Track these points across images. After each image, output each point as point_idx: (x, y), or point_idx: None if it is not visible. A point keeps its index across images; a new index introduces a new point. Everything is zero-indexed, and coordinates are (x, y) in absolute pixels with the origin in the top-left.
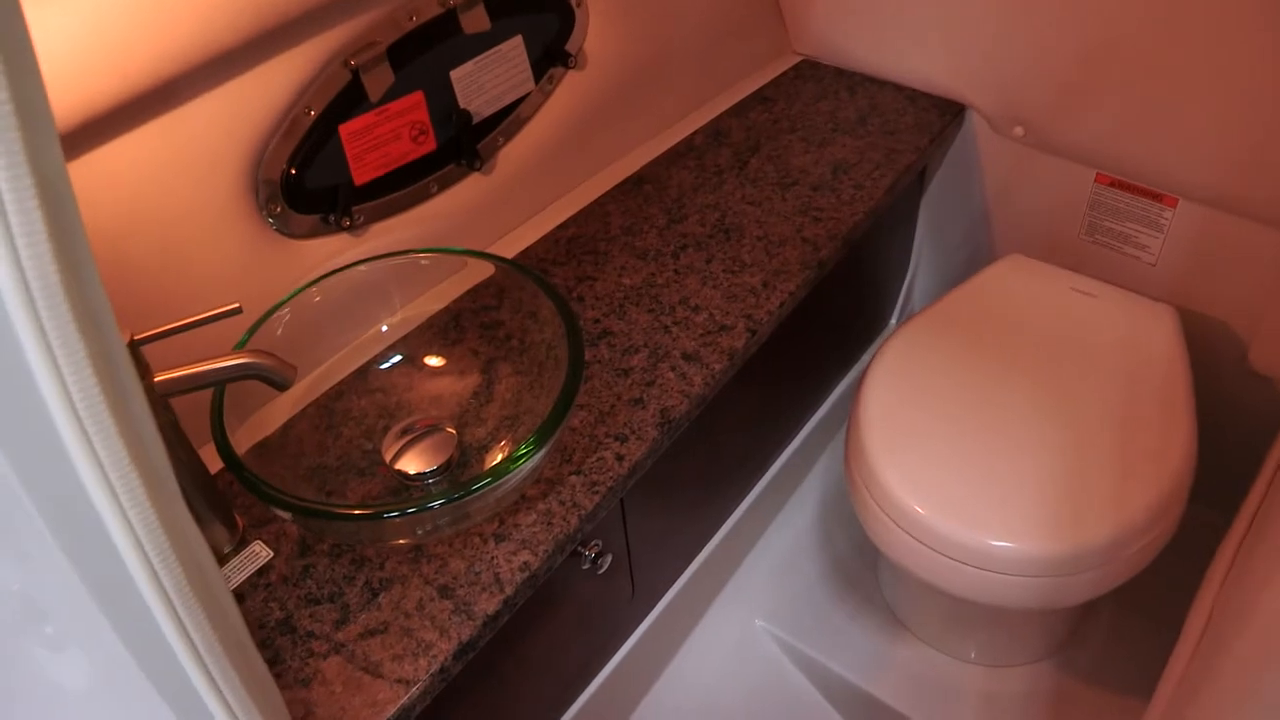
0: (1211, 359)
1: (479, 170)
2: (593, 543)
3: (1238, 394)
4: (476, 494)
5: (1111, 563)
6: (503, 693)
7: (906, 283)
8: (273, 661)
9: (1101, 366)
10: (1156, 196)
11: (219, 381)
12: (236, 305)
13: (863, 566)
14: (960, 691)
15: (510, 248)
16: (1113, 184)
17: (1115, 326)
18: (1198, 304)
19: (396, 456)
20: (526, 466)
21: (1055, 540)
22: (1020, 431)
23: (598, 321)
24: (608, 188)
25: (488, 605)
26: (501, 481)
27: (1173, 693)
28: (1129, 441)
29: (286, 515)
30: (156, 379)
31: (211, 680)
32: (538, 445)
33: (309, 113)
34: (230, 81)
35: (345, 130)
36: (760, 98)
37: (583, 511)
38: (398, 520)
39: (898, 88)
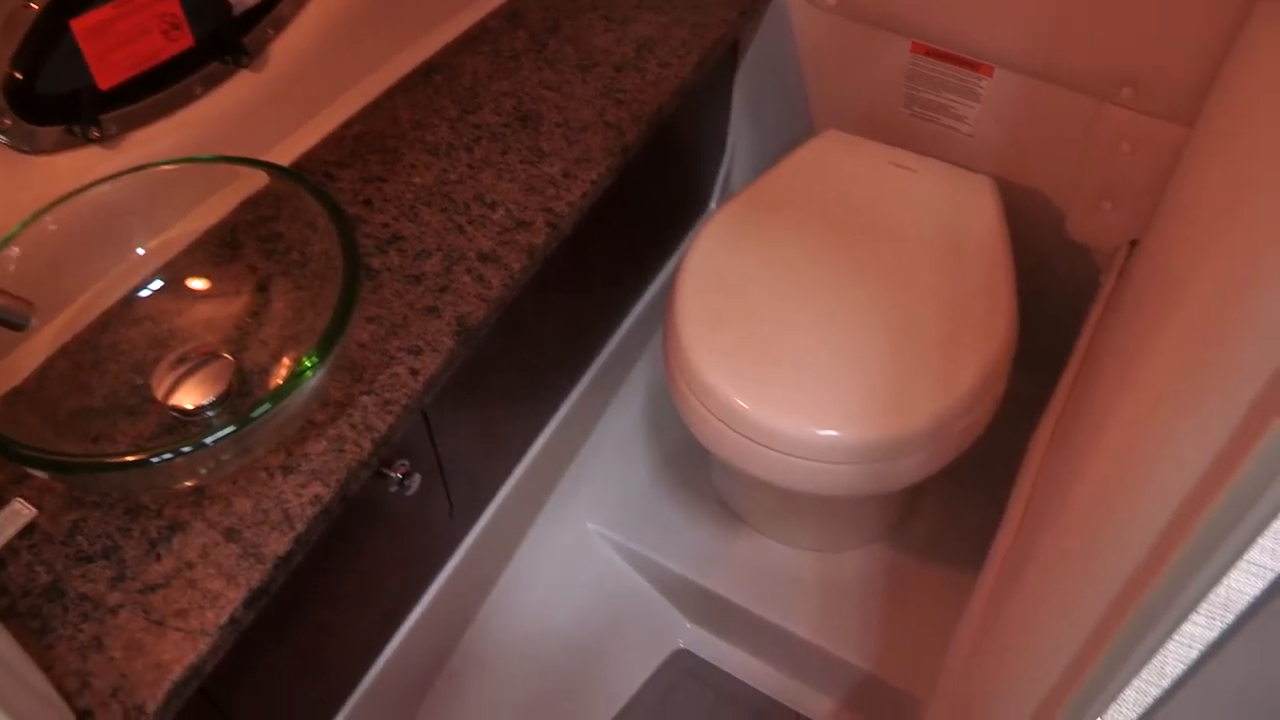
0: (1030, 229)
1: (248, 67)
2: (398, 463)
3: (1056, 263)
4: (257, 422)
5: (938, 444)
6: (317, 631)
7: (725, 165)
8: (41, 632)
9: (923, 242)
10: (972, 66)
11: None
12: None
13: (694, 461)
14: (797, 579)
15: (291, 151)
16: (929, 53)
17: (936, 200)
18: (1016, 175)
19: (171, 391)
20: (308, 386)
21: (881, 425)
22: (843, 314)
23: (387, 226)
24: (395, 80)
25: (278, 545)
26: (282, 405)
27: (997, 573)
28: (952, 318)
29: (42, 474)
30: None
31: None
32: (319, 361)
33: (28, 5)
34: None
35: (79, 27)
36: None
37: (376, 434)
38: (171, 463)
39: None
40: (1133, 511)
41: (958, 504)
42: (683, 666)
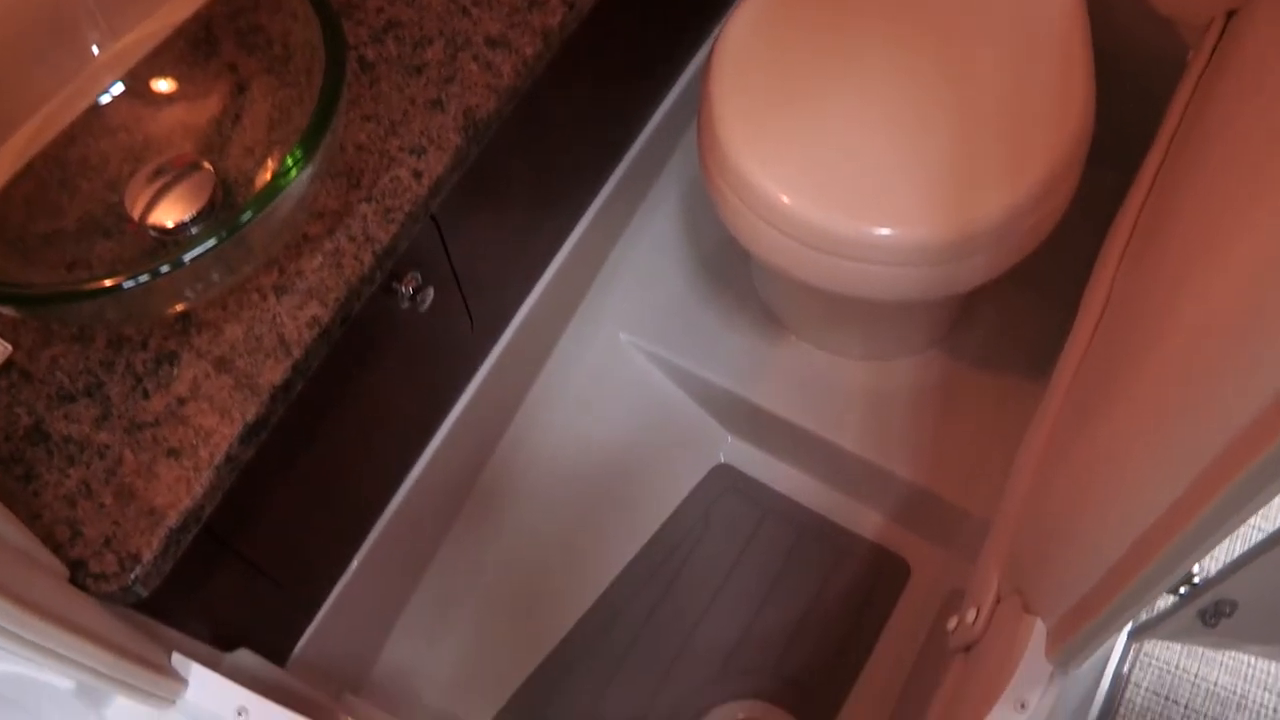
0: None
1: None
2: (408, 276)
3: (1137, 40)
4: (240, 233)
5: (1004, 243)
6: (334, 462)
7: None
8: (26, 478)
9: (988, 20)
10: None
11: None
12: None
13: (733, 265)
14: (844, 390)
15: None
16: None
17: None
18: None
19: (149, 208)
20: (295, 188)
21: (942, 223)
22: (898, 99)
23: (382, 11)
24: None
25: (274, 375)
26: (268, 211)
27: (1068, 386)
28: (1020, 103)
29: (10, 312)
30: None
31: None
32: (304, 158)
33: None
34: None
35: None
36: None
37: (379, 245)
38: (151, 286)
39: None
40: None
41: (1017, 308)
42: (724, 482)
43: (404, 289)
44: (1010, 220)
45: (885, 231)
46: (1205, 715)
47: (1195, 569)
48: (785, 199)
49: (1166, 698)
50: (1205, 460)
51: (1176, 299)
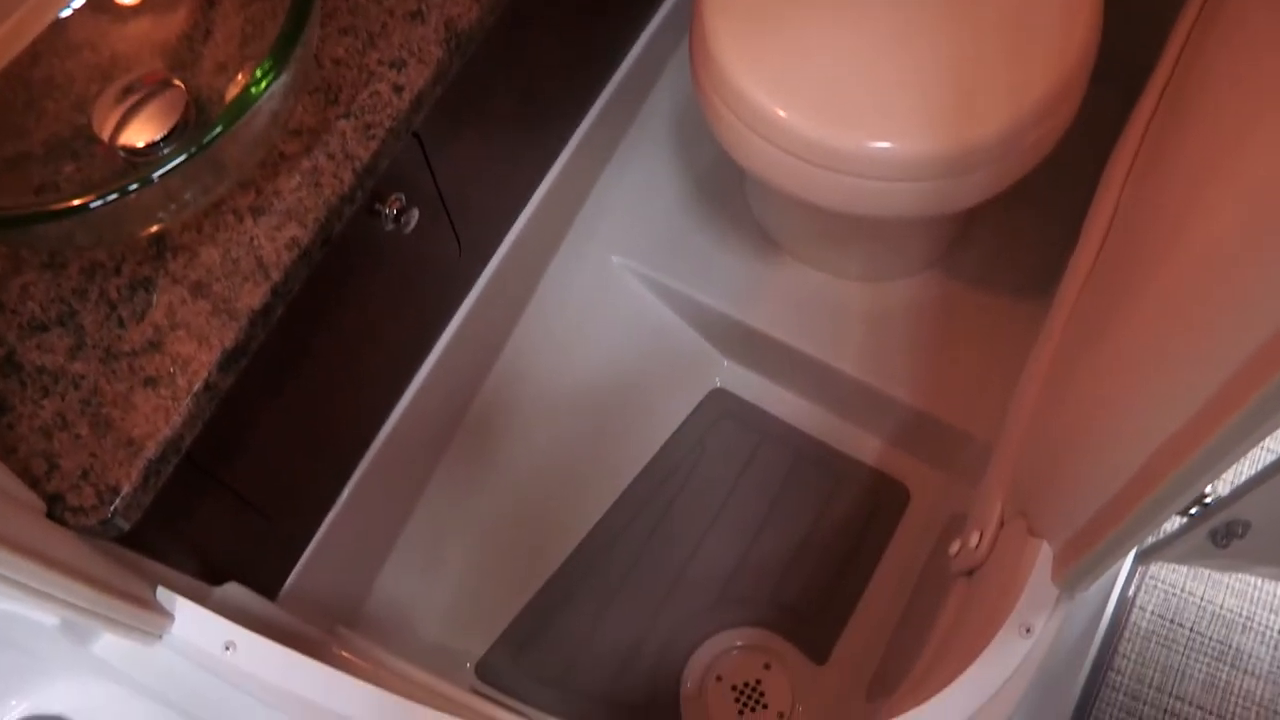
0: None
1: None
2: (392, 197)
3: None
4: (210, 147)
5: (1005, 159)
6: (320, 389)
7: None
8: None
9: None
10: None
11: None
12: None
13: (728, 184)
14: (842, 311)
15: None
16: None
17: None
18: None
19: (119, 129)
20: (267, 101)
21: (942, 137)
22: (899, 14)
23: None
24: None
25: (252, 299)
26: (240, 125)
27: (1072, 305)
28: (1025, 17)
29: None
30: None
31: None
32: (276, 67)
33: None
34: None
35: None
36: None
37: (359, 163)
38: (121, 206)
39: None
40: None
41: (1017, 228)
42: (720, 407)
43: (388, 211)
44: (1012, 136)
45: (884, 145)
46: (1211, 638)
47: (1208, 489)
48: (782, 113)
49: (1172, 621)
50: (1223, 377)
51: (1188, 215)
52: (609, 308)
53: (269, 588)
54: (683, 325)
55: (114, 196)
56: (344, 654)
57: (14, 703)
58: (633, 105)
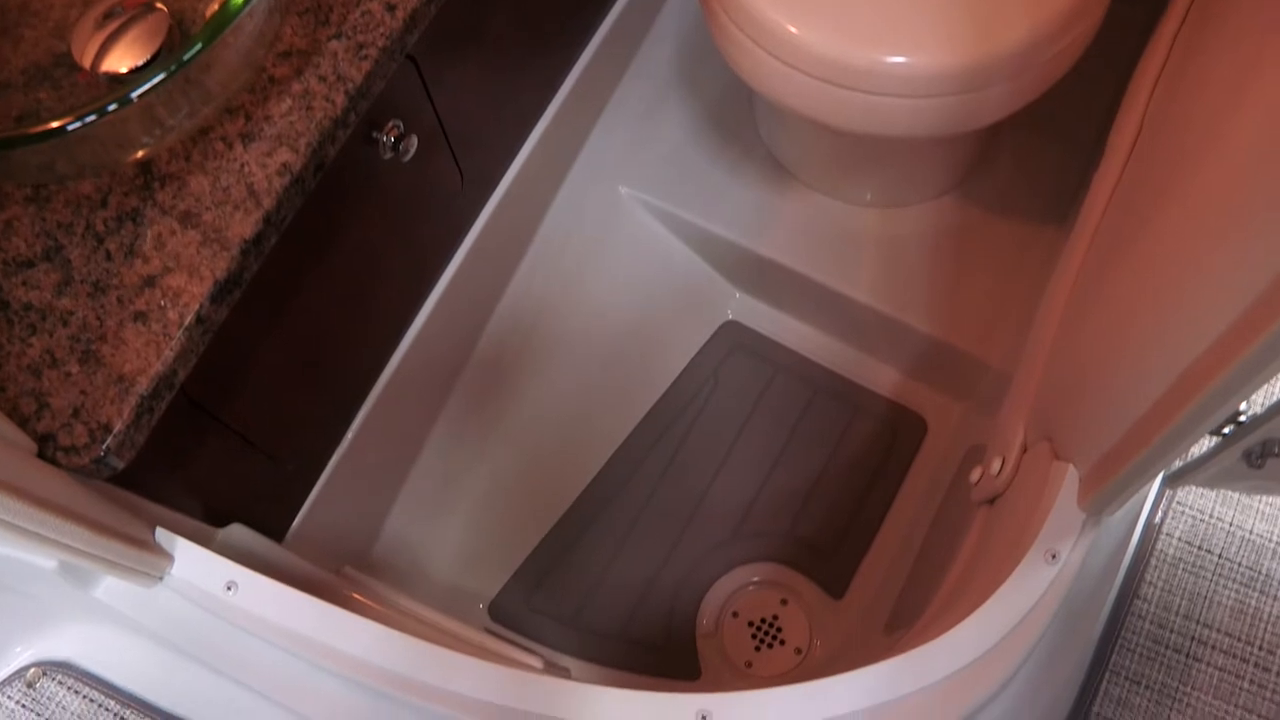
0: None
1: None
2: (389, 124)
3: None
4: (190, 65)
5: (1025, 73)
6: (320, 324)
7: None
8: None
9: None
10: None
11: None
12: None
13: (737, 109)
14: (856, 239)
15: None
16: None
17: None
18: None
19: (100, 55)
20: (249, 13)
21: (960, 50)
22: None
23: None
24: None
25: (244, 228)
26: (220, 42)
27: (1095, 227)
28: None
29: None
30: None
31: None
32: None
33: None
34: None
35: None
36: None
37: (351, 85)
38: (102, 129)
39: None
40: None
41: (1034, 151)
42: (733, 339)
43: (385, 138)
44: (1032, 48)
45: (899, 60)
46: (1240, 564)
47: (1242, 406)
48: (793, 29)
49: (1200, 547)
50: (1260, 287)
51: (1222, 122)
52: (617, 240)
53: (275, 530)
54: (693, 256)
55: (92, 118)
56: (354, 595)
57: (19, 649)
58: (638, 30)
